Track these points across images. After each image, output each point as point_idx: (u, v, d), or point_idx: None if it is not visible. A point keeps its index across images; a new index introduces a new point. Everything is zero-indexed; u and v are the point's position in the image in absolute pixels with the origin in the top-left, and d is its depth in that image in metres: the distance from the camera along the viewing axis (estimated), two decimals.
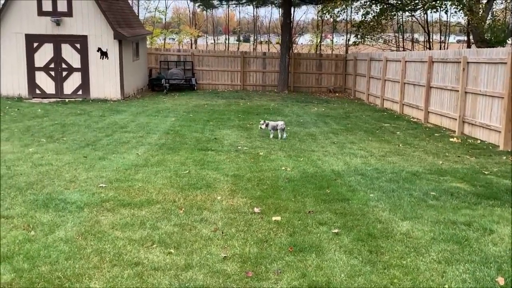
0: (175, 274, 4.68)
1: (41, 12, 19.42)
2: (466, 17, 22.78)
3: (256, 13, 38.88)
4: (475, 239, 5.66)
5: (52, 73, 19.92)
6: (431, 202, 7.08)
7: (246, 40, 47.61)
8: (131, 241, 5.41)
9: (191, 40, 38.98)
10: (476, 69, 12.93)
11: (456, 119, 13.75)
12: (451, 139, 12.68)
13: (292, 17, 29.71)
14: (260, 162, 9.45)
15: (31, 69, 19.80)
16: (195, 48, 36.71)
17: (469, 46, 26.62)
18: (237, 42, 42.82)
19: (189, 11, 41.16)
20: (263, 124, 12.16)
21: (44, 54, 19.74)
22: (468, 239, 5.67)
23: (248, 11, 66.42)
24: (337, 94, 25.74)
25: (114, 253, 5.11)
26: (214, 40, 41.87)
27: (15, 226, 5.76)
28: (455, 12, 25.47)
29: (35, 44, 19.63)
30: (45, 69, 19.86)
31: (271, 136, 12.15)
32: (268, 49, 36.61)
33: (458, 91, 13.71)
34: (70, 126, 13.16)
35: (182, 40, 38.58)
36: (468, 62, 13.31)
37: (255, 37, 39.65)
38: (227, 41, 39.60)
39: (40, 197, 6.86)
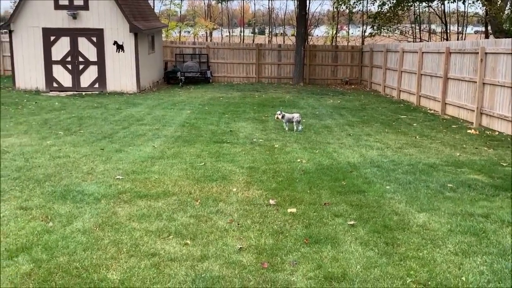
0: (191, 265, 4.71)
1: (57, 6, 19.57)
2: (484, 7, 22.48)
3: (271, 5, 38.88)
4: (493, 231, 5.61)
5: (69, 66, 20.09)
6: (448, 194, 7.02)
7: (261, 32, 47.50)
8: (147, 232, 5.46)
9: (206, 32, 38.99)
10: (494, 60, 12.75)
11: (473, 111, 13.60)
12: (468, 131, 12.55)
13: (307, 8, 29.56)
14: (276, 155, 9.45)
15: (48, 63, 19.99)
16: (210, 40, 36.73)
17: (487, 37, 26.25)
18: (252, 35, 42.74)
19: (204, 3, 41.13)
20: (279, 114, 12.10)
21: (61, 48, 19.91)
22: (486, 231, 5.62)
23: (263, 3, 66.23)
24: (352, 86, 25.58)
25: (131, 244, 5.15)
26: (229, 32, 41.80)
27: (33, 218, 5.84)
28: (473, 2, 25.18)
29: (52, 38, 19.81)
30: (62, 62, 20.03)
31: (286, 128, 12.13)
32: (284, 41, 36.49)
33: (475, 82, 13.55)
34: (87, 119, 13.28)
35: (197, 33, 38.59)
36: (486, 53, 13.13)
37: (270, 29, 39.52)
38: (242, 34, 39.51)
39: (58, 189, 6.94)
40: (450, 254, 5.02)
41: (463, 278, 4.52)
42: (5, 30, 20.70)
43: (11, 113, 13.93)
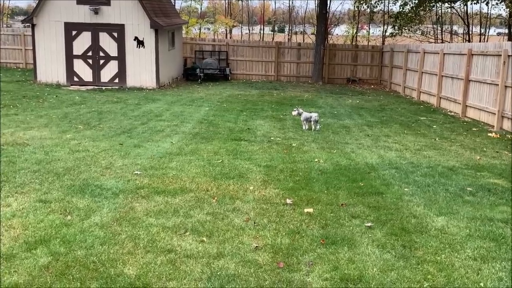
0: (207, 262, 4.72)
1: (80, 1, 19.74)
2: (508, 9, 22.13)
3: (292, 3, 38.75)
4: None
5: (90, 61, 20.26)
6: (468, 198, 6.94)
7: (281, 30, 47.42)
8: (164, 228, 5.48)
9: (226, 30, 39.05)
10: None
11: (495, 114, 13.41)
12: (489, 134, 12.39)
13: (328, 7, 29.39)
14: (293, 154, 9.42)
15: (70, 57, 20.18)
16: (230, 38, 36.76)
17: (510, 39, 25.88)
18: (272, 33, 42.71)
19: (225, 1, 41.20)
20: (295, 111, 12.14)
21: (82, 42, 20.08)
22: (505, 236, 5.54)
23: (283, 1, 66.11)
24: (372, 86, 25.36)
25: (148, 239, 5.18)
26: (249, 30, 41.80)
27: (52, 211, 5.90)
28: (496, 3, 24.82)
29: (74, 32, 19.98)
30: (83, 57, 20.21)
31: (305, 127, 12.09)
32: (303, 40, 36.36)
33: (497, 85, 13.36)
34: (107, 114, 13.38)
35: (217, 30, 38.68)
36: (509, 55, 12.93)
37: (290, 28, 39.45)
38: (262, 31, 39.49)
39: (76, 183, 7.00)
40: (469, 259, 4.96)
41: (482, 284, 4.46)
42: (28, 24, 20.94)
43: (32, 106, 14.09)
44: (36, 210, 5.89)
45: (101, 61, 20.27)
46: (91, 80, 20.36)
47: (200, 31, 38.32)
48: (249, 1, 41.33)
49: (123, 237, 5.22)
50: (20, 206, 6.00)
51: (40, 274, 4.40)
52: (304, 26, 40.48)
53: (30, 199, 6.25)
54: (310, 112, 12.45)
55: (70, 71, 20.28)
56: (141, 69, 20.36)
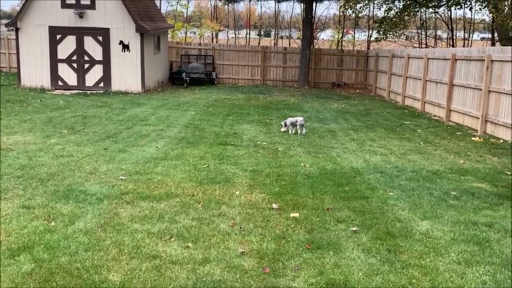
0: (192, 268, 4.69)
1: (64, 5, 19.63)
2: (491, 15, 22.40)
3: (278, 8, 38.79)
4: (496, 241, 5.58)
5: (75, 65, 20.13)
6: (452, 202, 6.99)
7: (267, 35, 47.51)
8: (149, 234, 5.45)
9: (212, 34, 38.98)
10: (500, 68, 12.71)
11: (478, 118, 13.55)
12: (473, 138, 12.51)
13: (314, 12, 29.52)
14: (279, 158, 9.43)
15: (54, 61, 20.03)
16: (216, 42, 36.74)
17: (493, 44, 26.18)
18: (258, 37, 42.75)
19: (211, 5, 41.14)
20: (283, 127, 12.29)
21: (67, 46, 19.95)
22: (489, 240, 5.59)
23: (269, 5, 66.31)
24: (357, 91, 25.50)
25: (133, 245, 5.14)
26: (235, 34, 41.76)
27: (36, 217, 5.83)
28: (480, 9, 25.09)
29: (58, 36, 19.85)
30: (68, 61, 20.07)
31: (291, 132, 12.11)
32: (289, 44, 36.43)
33: (481, 89, 13.50)
34: (91, 118, 13.28)
35: (203, 34, 38.59)
36: (492, 60, 13.09)
37: (276, 32, 39.50)
38: (248, 36, 39.49)
39: (60, 188, 6.94)
40: (453, 263, 5.00)
41: None
42: (12, 28, 20.75)
43: (16, 111, 13.95)
44: (20, 216, 5.82)
45: (86, 65, 20.15)
46: (76, 84, 20.22)
47: (186, 35, 38.23)
48: (235, 5, 41.24)
49: (108, 243, 5.18)
50: (3, 212, 5.93)
51: (24, 281, 4.35)
52: (290, 31, 40.55)
53: (14, 205, 6.18)
54: (296, 117, 12.48)
55: (55, 75, 20.13)
56: (126, 73, 20.27)
